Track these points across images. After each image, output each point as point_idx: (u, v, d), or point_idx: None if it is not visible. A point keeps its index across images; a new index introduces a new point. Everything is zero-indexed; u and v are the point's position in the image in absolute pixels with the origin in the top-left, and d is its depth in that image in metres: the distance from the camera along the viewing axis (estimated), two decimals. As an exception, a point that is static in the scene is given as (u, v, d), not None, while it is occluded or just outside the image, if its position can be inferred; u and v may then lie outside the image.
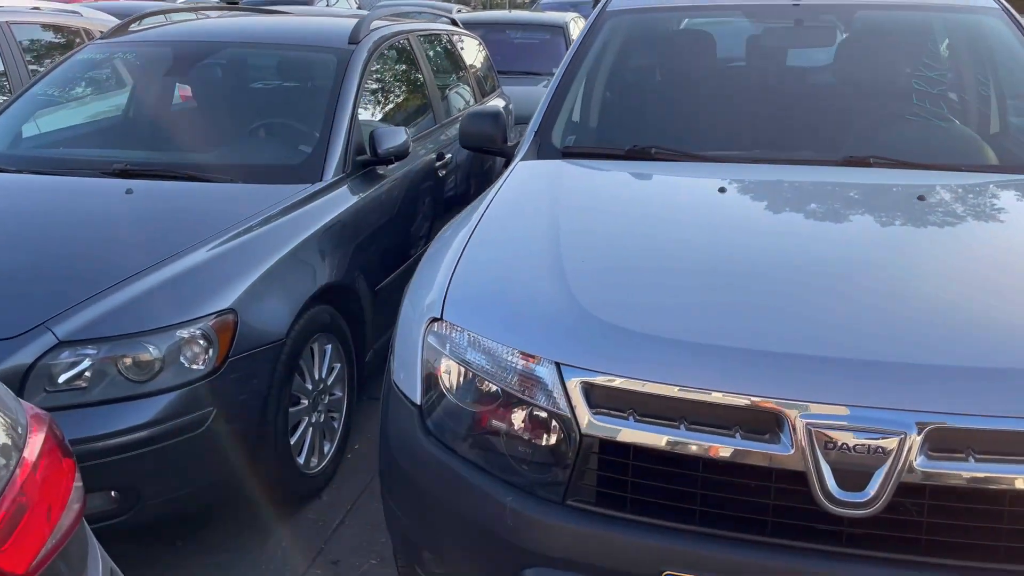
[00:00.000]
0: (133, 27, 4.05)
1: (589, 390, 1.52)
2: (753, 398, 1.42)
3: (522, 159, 2.56)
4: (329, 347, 2.96)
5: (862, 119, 2.53)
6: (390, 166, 3.46)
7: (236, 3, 14.75)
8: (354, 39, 3.68)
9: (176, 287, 2.39)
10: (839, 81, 2.77)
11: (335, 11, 10.25)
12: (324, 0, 14.42)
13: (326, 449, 2.98)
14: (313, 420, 2.87)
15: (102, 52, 3.82)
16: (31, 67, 4.87)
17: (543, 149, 2.58)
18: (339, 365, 3.04)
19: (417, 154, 3.83)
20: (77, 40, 5.24)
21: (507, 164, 2.82)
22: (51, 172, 3.05)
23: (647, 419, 1.48)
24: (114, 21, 5.24)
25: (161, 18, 4.61)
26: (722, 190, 2.12)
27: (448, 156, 4.15)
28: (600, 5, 3.20)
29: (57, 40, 5.20)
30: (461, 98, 4.95)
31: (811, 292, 1.65)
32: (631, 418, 1.48)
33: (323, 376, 2.92)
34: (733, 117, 2.59)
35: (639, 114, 2.74)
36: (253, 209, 2.77)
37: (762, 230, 1.94)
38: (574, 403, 1.52)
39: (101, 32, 4.71)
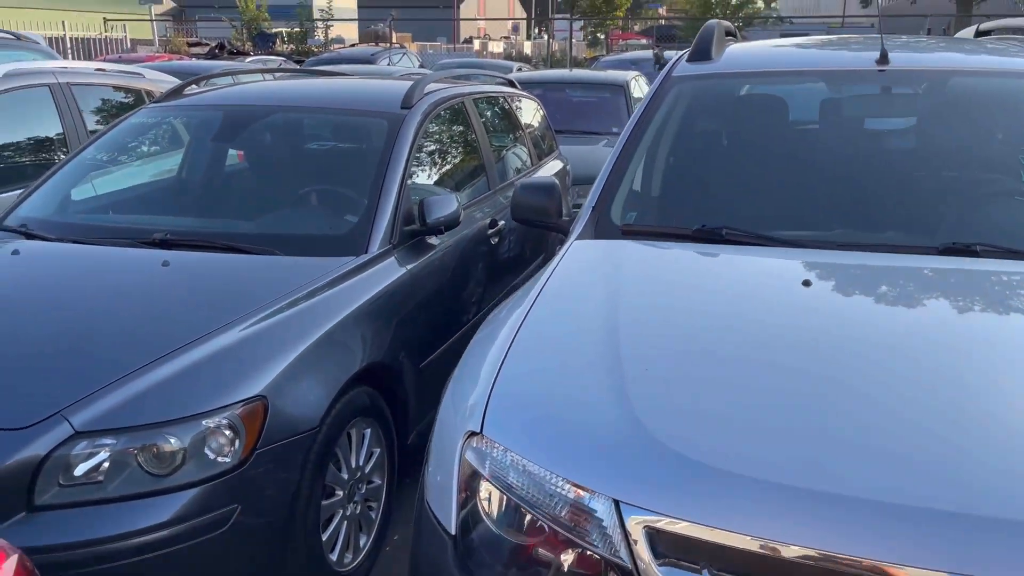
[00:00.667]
0: (188, 90, 4.02)
1: (655, 535, 1.28)
2: (866, 561, 1.15)
3: (578, 237, 2.35)
4: (368, 431, 2.76)
5: (962, 198, 2.25)
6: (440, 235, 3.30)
7: (301, 63, 15.11)
8: (407, 104, 3.55)
9: (203, 372, 2.23)
10: (931, 152, 2.50)
11: (396, 70, 10.33)
12: (387, 59, 14.65)
13: (362, 543, 2.76)
14: (348, 512, 2.66)
15: (154, 116, 3.78)
16: (91, 129, 4.88)
17: (601, 226, 2.36)
18: (378, 450, 2.84)
19: (470, 220, 3.66)
20: (137, 101, 5.27)
21: (564, 238, 2.62)
22: (90, 241, 2.95)
23: (726, 576, 1.22)
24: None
25: (220, 80, 4.59)
26: (807, 283, 1.87)
27: (502, 223, 3.97)
28: (665, 70, 2.99)
29: (119, 101, 5.23)
30: (517, 159, 4.80)
31: (929, 426, 1.37)
32: (706, 573, 1.23)
33: (360, 464, 2.71)
34: (812, 194, 2.33)
35: (707, 189, 2.51)
36: (292, 285, 2.61)
37: (859, 338, 1.66)
38: (636, 550, 1.27)
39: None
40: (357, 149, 3.58)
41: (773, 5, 28.03)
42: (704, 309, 1.84)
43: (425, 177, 3.64)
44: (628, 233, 2.32)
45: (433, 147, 3.80)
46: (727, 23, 3.46)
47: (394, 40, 27.80)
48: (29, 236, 3.05)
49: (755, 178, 2.45)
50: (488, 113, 4.52)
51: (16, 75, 4.59)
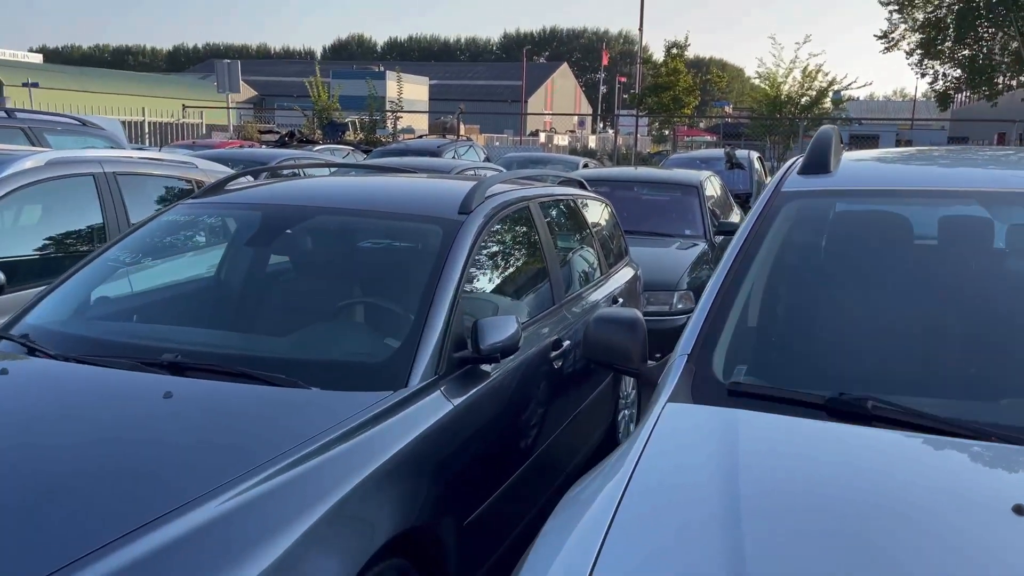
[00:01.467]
0: (230, 185, 3.69)
1: None
2: None
3: (671, 396, 1.83)
4: (396, 614, 2.23)
5: None
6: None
7: (369, 152, 15.18)
8: (465, 208, 3.14)
9: (187, 550, 1.75)
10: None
11: (461, 163, 10.12)
12: (453, 151, 14.59)
13: None
14: None
15: (188, 213, 3.44)
16: (134, 222, 4.61)
17: (700, 384, 1.84)
18: (408, 633, 2.30)
19: (531, 340, 3.18)
20: (185, 193, 5.01)
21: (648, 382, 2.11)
22: (92, 359, 2.54)
23: None
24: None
25: (256, 176, 4.28)
26: (1019, 511, 1.32)
27: (567, 343, 3.48)
28: (773, 184, 2.50)
29: (166, 192, 4.98)
30: (586, 267, 4.34)
31: None
32: None
33: (385, 657, 2.17)
34: (985, 357, 1.78)
35: (840, 339, 1.97)
36: (310, 430, 2.14)
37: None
38: None
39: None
40: (406, 259, 3.16)
41: (842, 106, 27.65)
42: (864, 538, 1.28)
43: (482, 289, 3.19)
44: (736, 393, 1.80)
45: (492, 256, 3.37)
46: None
47: (462, 132, 28.20)
48: (31, 349, 2.67)
49: (902, 328, 1.91)
50: (555, 216, 4.10)
51: (60, 163, 4.36)
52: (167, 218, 3.40)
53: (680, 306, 6.32)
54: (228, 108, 19.42)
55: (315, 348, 2.70)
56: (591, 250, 4.44)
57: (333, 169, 8.55)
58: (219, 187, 3.60)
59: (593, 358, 2.23)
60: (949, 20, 20.82)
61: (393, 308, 2.87)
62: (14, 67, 37.83)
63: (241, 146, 15.53)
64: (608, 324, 2.18)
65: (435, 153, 13.74)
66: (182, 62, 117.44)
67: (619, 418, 4.59)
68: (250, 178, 4.88)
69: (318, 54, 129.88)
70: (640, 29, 32.54)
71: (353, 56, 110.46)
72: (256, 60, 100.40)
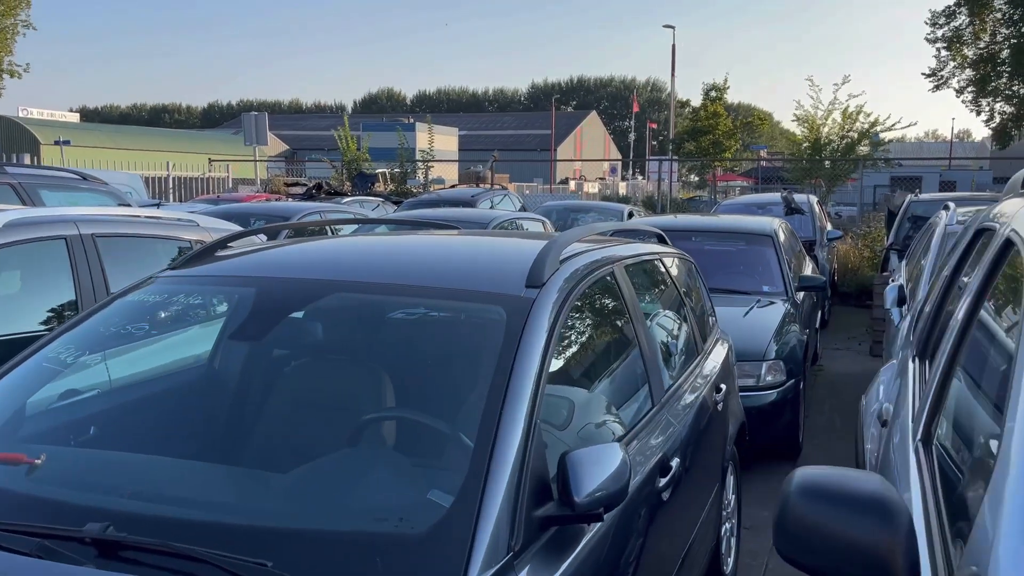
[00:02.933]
0: (229, 247, 2.81)
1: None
2: None
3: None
4: None
5: None
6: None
7: (399, 203, 14.47)
8: (536, 280, 2.22)
9: None
10: None
11: (499, 214, 9.25)
12: (488, 200, 13.79)
13: None
14: None
15: (161, 292, 2.54)
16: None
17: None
18: None
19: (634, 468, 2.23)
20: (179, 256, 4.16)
21: None
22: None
23: None
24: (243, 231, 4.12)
25: (259, 238, 3.42)
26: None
27: (675, 464, 2.52)
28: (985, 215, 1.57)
29: (158, 255, 4.13)
30: (681, 344, 3.39)
31: None
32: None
33: None
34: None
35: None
36: None
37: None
38: None
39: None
40: (457, 357, 2.22)
41: (882, 149, 26.57)
42: None
43: (562, 396, 2.25)
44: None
45: (572, 344, 2.44)
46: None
47: (494, 181, 27.52)
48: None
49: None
50: (643, 283, 3.17)
51: (22, 225, 3.54)
52: (133, 298, 2.51)
53: (769, 379, 5.33)
54: (255, 161, 18.91)
55: (310, 511, 1.75)
56: (685, 325, 3.50)
57: (359, 226, 7.74)
58: (209, 252, 2.71)
59: (801, 561, 1.28)
60: (1004, 56, 19.92)
61: (434, 440, 1.95)
62: (50, 126, 38.17)
63: (268, 199, 14.91)
64: (834, 506, 1.23)
65: (469, 203, 12.94)
66: (216, 118, 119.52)
67: (722, 532, 3.60)
68: (262, 238, 3.99)
69: (349, 108, 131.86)
70: (672, 72, 31.96)
71: (383, 109, 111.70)
72: (288, 115, 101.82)
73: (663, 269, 3.47)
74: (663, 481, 2.38)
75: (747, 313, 5.86)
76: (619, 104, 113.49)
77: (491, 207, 13.62)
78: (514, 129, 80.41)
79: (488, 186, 16.58)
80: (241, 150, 26.99)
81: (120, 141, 32.98)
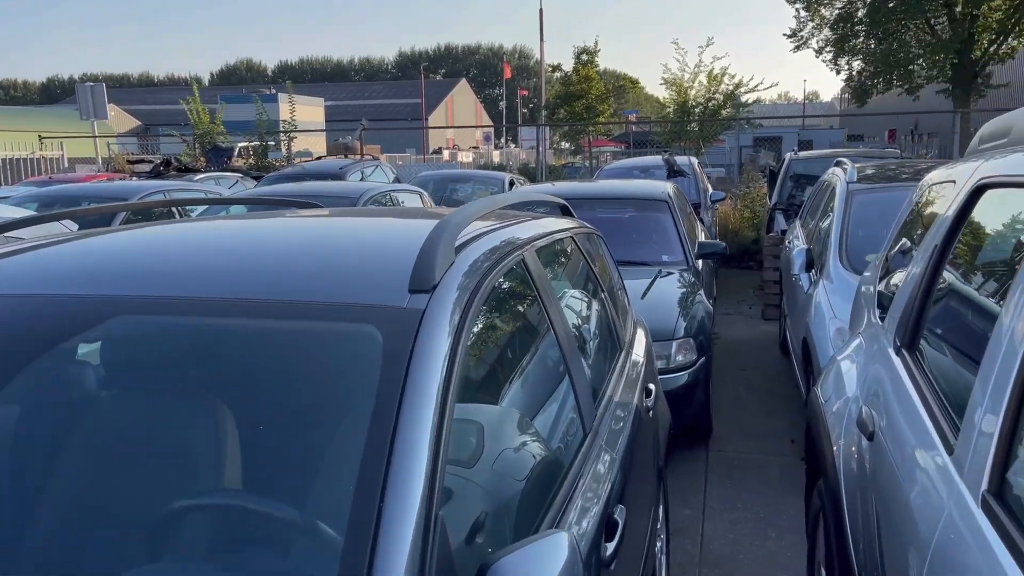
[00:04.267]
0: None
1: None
2: None
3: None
4: None
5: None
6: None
7: (259, 179, 13.30)
8: (424, 282, 1.53)
9: None
10: None
11: (370, 186, 8.40)
12: (359, 172, 12.85)
13: None
14: None
15: None
16: None
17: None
18: None
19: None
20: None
21: None
22: None
23: None
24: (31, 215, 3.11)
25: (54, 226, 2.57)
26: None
27: (620, 516, 1.90)
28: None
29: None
30: (605, 342, 2.77)
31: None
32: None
33: None
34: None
35: None
36: None
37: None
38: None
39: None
40: (305, 413, 1.49)
41: (745, 110, 26.95)
42: None
43: (466, 413, 1.57)
44: None
45: (482, 366, 1.76)
46: None
47: (363, 152, 26.20)
48: None
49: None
50: (558, 272, 2.53)
51: None
52: None
53: (680, 359, 4.84)
54: (95, 137, 17.08)
55: None
56: (607, 315, 2.88)
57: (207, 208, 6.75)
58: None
59: None
60: (860, 15, 20.46)
61: (288, 528, 1.25)
62: None
63: (110, 179, 13.40)
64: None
65: (338, 176, 11.97)
66: (57, 94, 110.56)
67: (656, 550, 3.04)
68: (70, 226, 3.12)
69: (206, 80, 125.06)
70: (540, 34, 31.51)
71: (243, 81, 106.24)
72: (138, 89, 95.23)
73: (577, 249, 2.83)
74: (611, 547, 1.76)
75: (649, 287, 5.35)
76: (488, 72, 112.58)
77: (362, 180, 12.71)
78: (383, 99, 78.34)
79: (358, 157, 15.55)
80: (81, 126, 24.63)
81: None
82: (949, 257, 2.05)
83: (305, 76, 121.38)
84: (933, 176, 2.68)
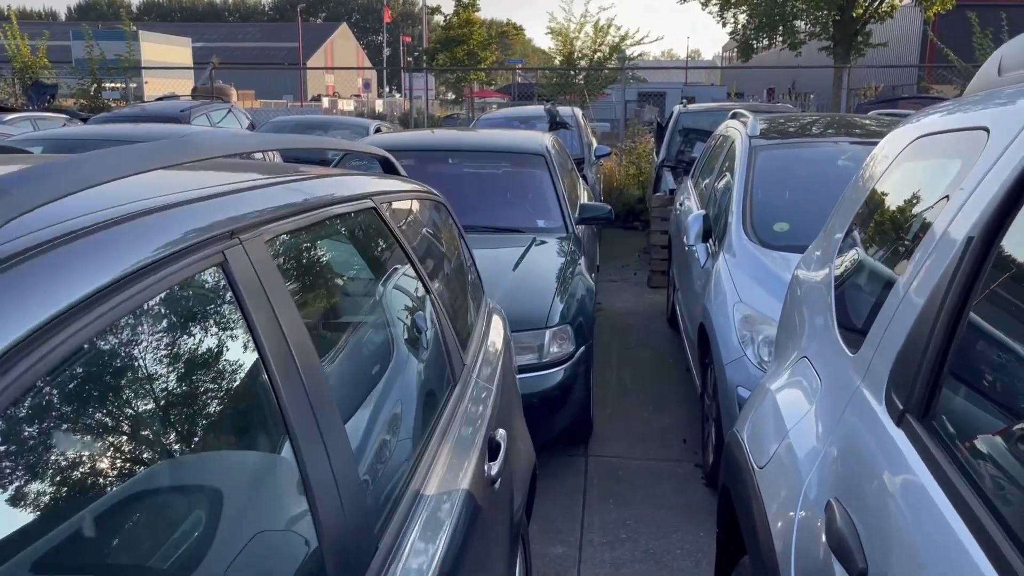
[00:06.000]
0: None
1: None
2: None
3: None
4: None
5: None
6: None
7: (86, 120, 11.54)
8: None
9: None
10: None
11: (187, 130, 7.03)
12: (204, 116, 11.30)
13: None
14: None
15: None
16: None
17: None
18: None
19: None
20: None
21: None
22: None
23: None
24: None
25: None
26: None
27: None
28: None
29: None
30: (429, 378, 1.78)
31: None
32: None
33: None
34: None
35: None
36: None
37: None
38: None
39: None
40: None
41: (630, 62, 26.28)
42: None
43: None
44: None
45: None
46: None
47: (235, 97, 23.93)
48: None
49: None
50: (340, 269, 1.51)
51: None
52: None
53: (555, 350, 3.92)
54: None
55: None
56: (432, 329, 1.86)
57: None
58: None
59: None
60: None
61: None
62: None
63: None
64: None
65: (178, 119, 10.43)
66: None
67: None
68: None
69: (63, 16, 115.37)
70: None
71: (104, 18, 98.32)
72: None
73: (383, 226, 1.80)
74: None
75: (520, 261, 4.40)
76: (372, 17, 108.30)
77: (210, 125, 11.19)
78: (258, 41, 74.06)
79: (211, 100, 13.86)
80: None
81: None
82: (992, 265, 1.15)
83: (174, 14, 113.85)
84: (927, 123, 1.79)
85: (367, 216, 1.70)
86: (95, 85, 14.71)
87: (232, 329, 1.07)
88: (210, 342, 1.04)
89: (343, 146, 2.74)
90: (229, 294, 1.06)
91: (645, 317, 7.02)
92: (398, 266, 1.76)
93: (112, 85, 15.96)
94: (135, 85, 22.01)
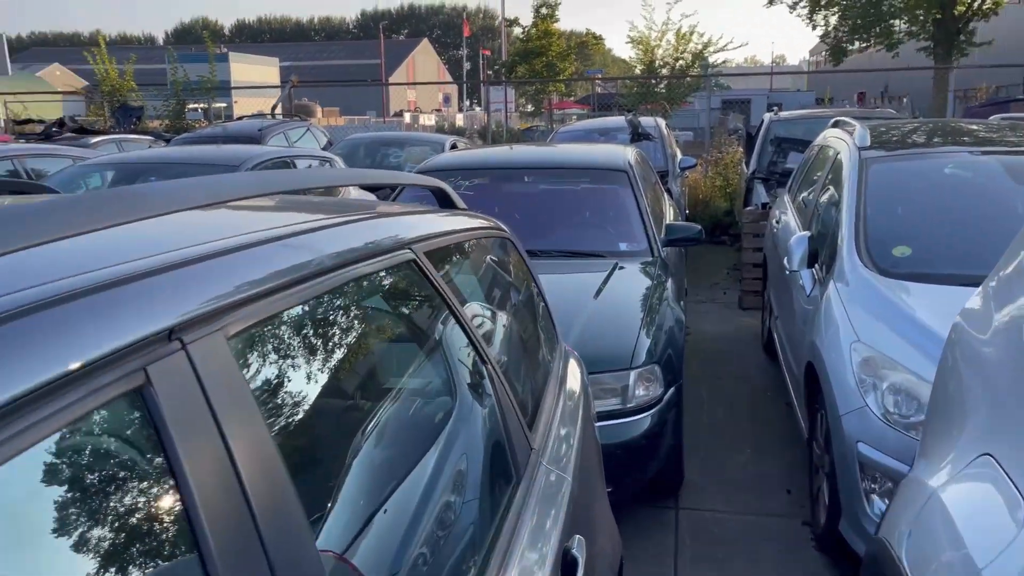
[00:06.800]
0: None
1: None
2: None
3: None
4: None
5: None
6: None
7: (169, 140, 11.65)
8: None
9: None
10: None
11: (268, 151, 6.88)
12: (282, 135, 11.26)
13: None
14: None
15: None
16: None
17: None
18: None
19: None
20: None
21: None
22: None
23: None
24: None
25: None
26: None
27: None
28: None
29: None
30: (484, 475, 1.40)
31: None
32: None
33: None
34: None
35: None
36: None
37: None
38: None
39: None
40: None
41: (714, 69, 25.44)
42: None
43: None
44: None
45: None
46: None
47: (319, 114, 24.26)
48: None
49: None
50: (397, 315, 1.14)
51: None
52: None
53: (640, 394, 3.48)
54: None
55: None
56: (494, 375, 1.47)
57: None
58: None
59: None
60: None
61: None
62: None
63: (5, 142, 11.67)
64: None
65: (255, 139, 10.40)
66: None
67: None
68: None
69: (160, 39, 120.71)
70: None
71: (199, 41, 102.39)
72: (88, 48, 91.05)
73: (425, 282, 1.41)
74: None
75: (600, 290, 3.97)
76: (452, 33, 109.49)
77: (287, 143, 11.14)
78: (342, 59, 75.81)
79: (293, 118, 13.89)
80: (21, 87, 22.63)
81: None
82: None
83: (263, 36, 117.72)
84: None
85: (404, 272, 1.32)
86: (179, 106, 14.98)
87: (151, 477, 0.70)
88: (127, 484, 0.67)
89: (391, 179, 2.38)
90: (147, 431, 0.69)
91: (737, 343, 6.48)
92: (443, 333, 1.37)
93: (194, 106, 16.25)
94: (223, 105, 22.47)
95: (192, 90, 15.42)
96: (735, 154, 12.13)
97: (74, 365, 0.63)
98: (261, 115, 13.98)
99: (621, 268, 4.30)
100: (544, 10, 23.56)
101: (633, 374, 3.44)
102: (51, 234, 0.73)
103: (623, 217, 4.78)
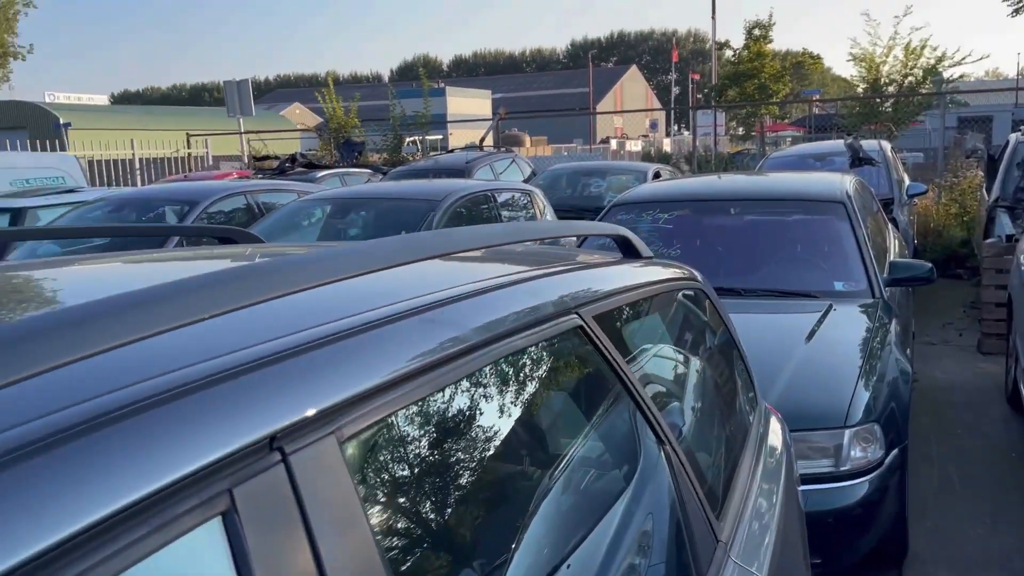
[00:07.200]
0: None
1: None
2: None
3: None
4: None
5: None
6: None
7: (386, 173, 12.34)
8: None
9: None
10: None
11: (485, 185, 7.03)
12: (488, 167, 11.56)
13: None
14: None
15: None
16: None
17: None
18: None
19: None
20: None
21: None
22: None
23: None
24: None
25: None
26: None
27: None
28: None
29: None
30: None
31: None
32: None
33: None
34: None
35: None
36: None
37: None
38: None
39: None
40: None
41: (950, 85, 23.18)
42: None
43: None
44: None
45: None
46: None
47: (528, 144, 24.77)
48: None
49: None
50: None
51: None
52: None
53: (858, 456, 3.09)
54: (241, 133, 16.94)
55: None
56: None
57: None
58: None
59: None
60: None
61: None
62: (77, 110, 36.30)
63: (239, 177, 12.91)
64: None
65: (463, 172, 10.74)
66: (253, 95, 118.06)
67: None
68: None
69: (385, 77, 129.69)
70: (712, 12, 29.08)
71: (420, 77, 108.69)
72: (320, 88, 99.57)
73: (592, 352, 1.25)
74: None
75: (811, 336, 3.61)
76: (661, 58, 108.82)
77: (492, 175, 11.42)
78: (552, 89, 77.51)
79: (498, 149, 14.28)
80: (265, 126, 25.19)
81: (125, 122, 31.18)
82: None
83: (479, 70, 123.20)
84: None
85: (568, 341, 1.17)
86: (396, 140, 15.88)
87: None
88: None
89: (565, 231, 2.25)
90: None
91: (975, 393, 5.73)
92: (612, 412, 1.21)
93: (411, 139, 17.16)
94: (439, 137, 23.58)
95: (408, 124, 16.31)
96: (973, 178, 10.94)
97: (134, 497, 0.54)
98: (472, 146, 14.47)
99: (836, 310, 3.90)
100: (756, 31, 22.72)
101: (848, 433, 3.07)
102: (178, 320, 0.65)
103: (839, 253, 4.36)
